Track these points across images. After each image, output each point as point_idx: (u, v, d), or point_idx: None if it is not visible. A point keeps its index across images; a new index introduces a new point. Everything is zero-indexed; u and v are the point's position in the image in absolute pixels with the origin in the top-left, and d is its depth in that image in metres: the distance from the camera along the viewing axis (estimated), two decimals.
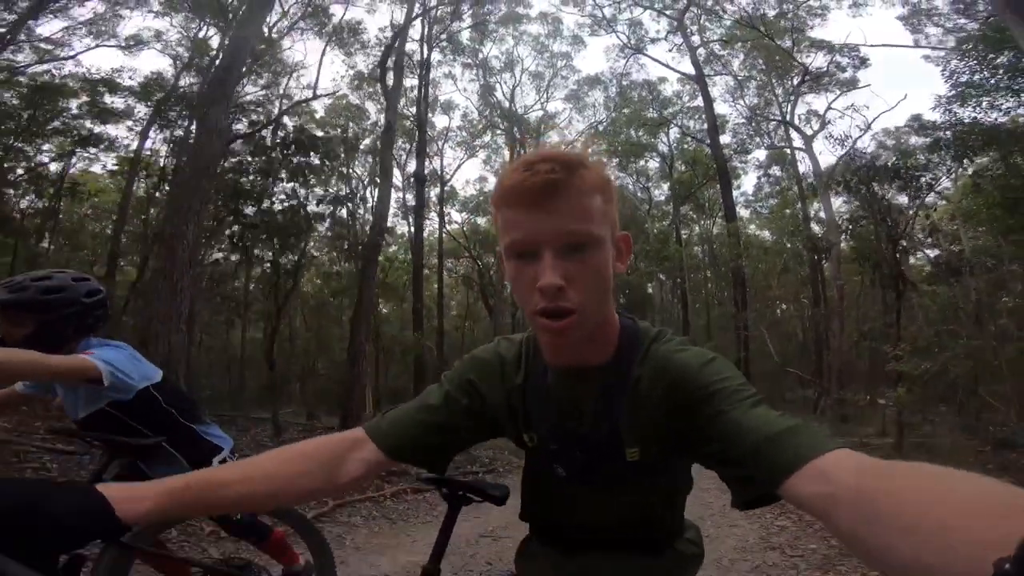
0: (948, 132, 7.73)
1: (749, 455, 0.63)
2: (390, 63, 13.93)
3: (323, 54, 23.30)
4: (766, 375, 14.31)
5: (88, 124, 14.92)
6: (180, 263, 6.19)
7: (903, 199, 9.19)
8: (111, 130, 15.52)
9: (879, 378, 10.56)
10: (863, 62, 19.38)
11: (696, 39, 20.03)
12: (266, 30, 13.45)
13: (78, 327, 1.76)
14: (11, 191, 14.11)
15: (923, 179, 7.60)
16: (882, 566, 0.43)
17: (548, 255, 0.70)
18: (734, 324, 13.70)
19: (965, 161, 7.84)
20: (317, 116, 18.97)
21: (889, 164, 7.53)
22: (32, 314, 1.69)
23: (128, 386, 1.68)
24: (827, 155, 36.63)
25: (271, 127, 10.90)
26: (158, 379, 1.81)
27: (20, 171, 14.40)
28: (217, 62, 11.56)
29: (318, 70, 39.28)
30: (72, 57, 15.08)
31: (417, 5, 15.97)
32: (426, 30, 18.10)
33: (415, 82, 18.93)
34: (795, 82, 19.00)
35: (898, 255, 7.68)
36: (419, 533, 4.50)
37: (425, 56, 18.39)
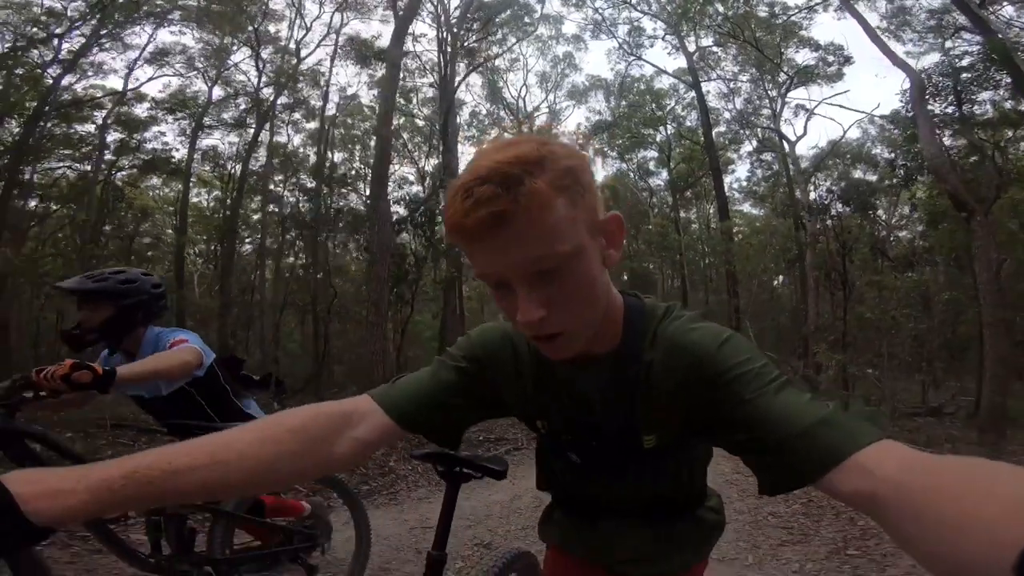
0: (900, 167, 9.76)
1: (781, 448, 0.60)
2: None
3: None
4: None
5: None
6: (382, 317, 8.56)
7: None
8: None
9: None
10: (847, 60, 21.18)
11: (691, 44, 21.61)
12: None
13: (147, 313, 2.05)
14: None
15: (873, 201, 9.67)
16: (929, 563, 0.41)
17: (520, 288, 0.64)
18: (728, 312, 15.80)
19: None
20: None
21: (844, 189, 9.55)
22: (111, 301, 1.97)
23: (204, 365, 1.96)
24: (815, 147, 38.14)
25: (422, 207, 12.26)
26: (214, 356, 2.09)
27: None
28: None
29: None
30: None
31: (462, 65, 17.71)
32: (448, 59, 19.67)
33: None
34: (783, 78, 20.77)
35: (846, 264, 9.78)
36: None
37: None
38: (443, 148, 16.59)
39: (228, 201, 19.34)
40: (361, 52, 17.29)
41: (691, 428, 0.76)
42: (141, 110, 17.48)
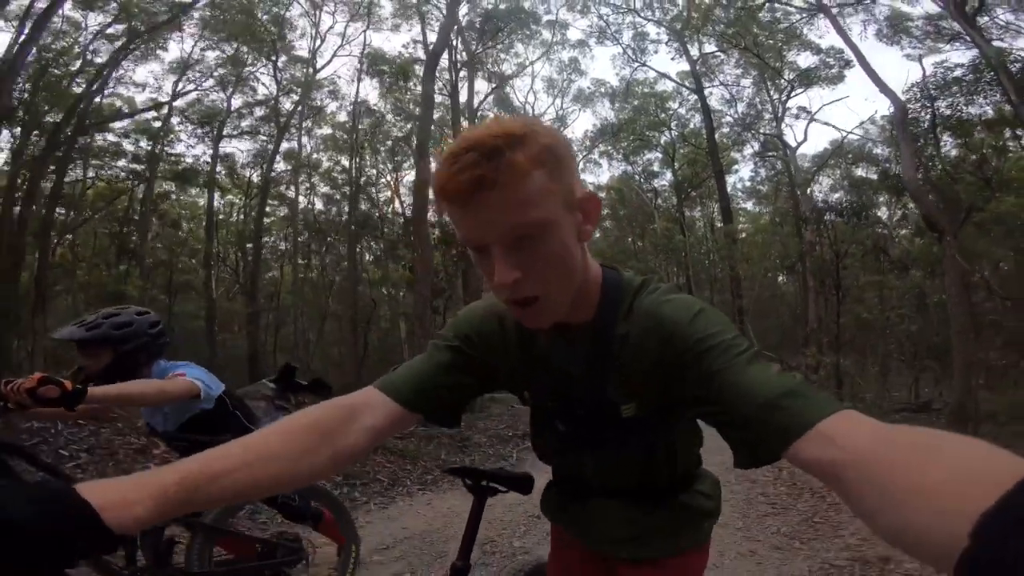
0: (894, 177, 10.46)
1: (750, 419, 0.62)
2: None
3: None
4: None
5: None
6: (425, 330, 9.47)
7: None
8: None
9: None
10: (847, 63, 21.73)
11: (694, 50, 22.23)
12: None
13: (148, 355, 1.96)
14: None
15: (864, 213, 10.45)
16: (884, 530, 0.43)
17: (497, 251, 0.68)
18: (732, 312, 16.52)
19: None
20: None
21: (836, 201, 10.29)
22: (108, 348, 1.87)
23: (211, 397, 1.90)
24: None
25: None
26: (223, 388, 2.02)
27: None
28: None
29: None
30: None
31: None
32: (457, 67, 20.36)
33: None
34: (784, 81, 21.37)
35: (839, 270, 10.53)
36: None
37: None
38: (424, 122, 17.26)
39: (247, 208, 20.20)
40: (381, 70, 17.99)
41: (668, 398, 0.80)
42: (165, 120, 18.33)
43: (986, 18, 13.50)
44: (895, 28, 15.87)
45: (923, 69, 12.89)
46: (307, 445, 0.69)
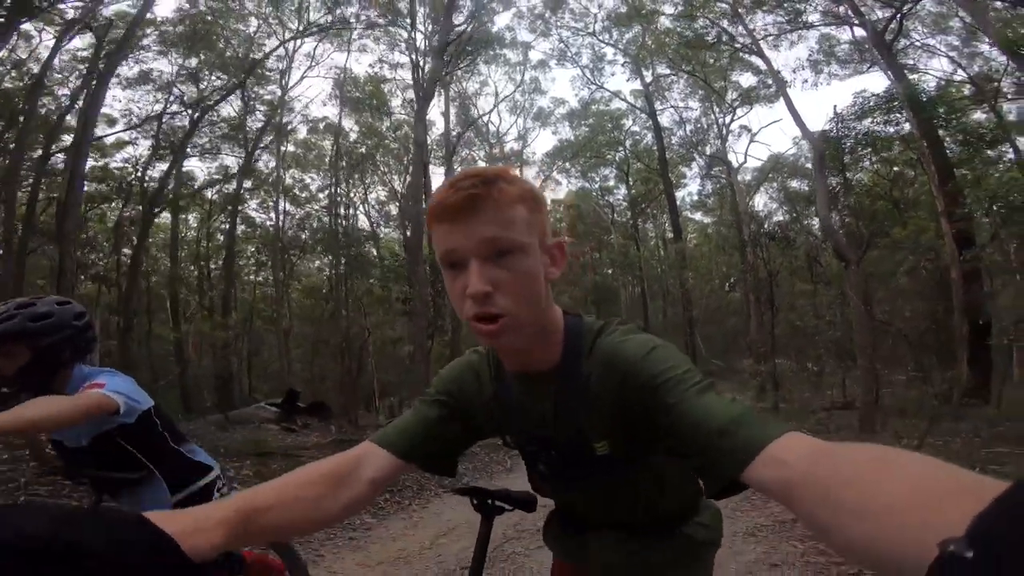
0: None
1: (704, 447, 0.65)
2: None
3: None
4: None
5: None
6: (424, 358, 10.31)
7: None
8: None
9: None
10: (784, 83, 23.78)
11: (648, 75, 23.73)
12: None
13: (73, 351, 1.72)
14: None
15: (792, 239, 12.02)
16: (839, 546, 0.44)
17: (474, 264, 0.74)
18: (683, 328, 18.00)
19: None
20: None
21: (770, 227, 11.79)
22: (24, 343, 1.62)
23: (135, 411, 1.66)
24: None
25: None
26: (152, 404, 1.78)
27: None
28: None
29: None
30: None
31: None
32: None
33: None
34: (728, 102, 23.15)
35: (772, 288, 12.02)
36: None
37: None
38: (416, 172, 18.15)
39: (208, 228, 20.28)
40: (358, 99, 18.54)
41: (635, 435, 0.84)
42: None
43: (905, 41, 15.35)
44: (818, 67, 17.87)
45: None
46: (324, 491, 0.74)
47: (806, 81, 16.82)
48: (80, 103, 13.79)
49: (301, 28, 17.90)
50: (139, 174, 17.40)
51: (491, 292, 0.74)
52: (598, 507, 1.04)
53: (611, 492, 0.99)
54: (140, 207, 16.86)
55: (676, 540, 1.03)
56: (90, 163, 17.58)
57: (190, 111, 18.14)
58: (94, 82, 11.92)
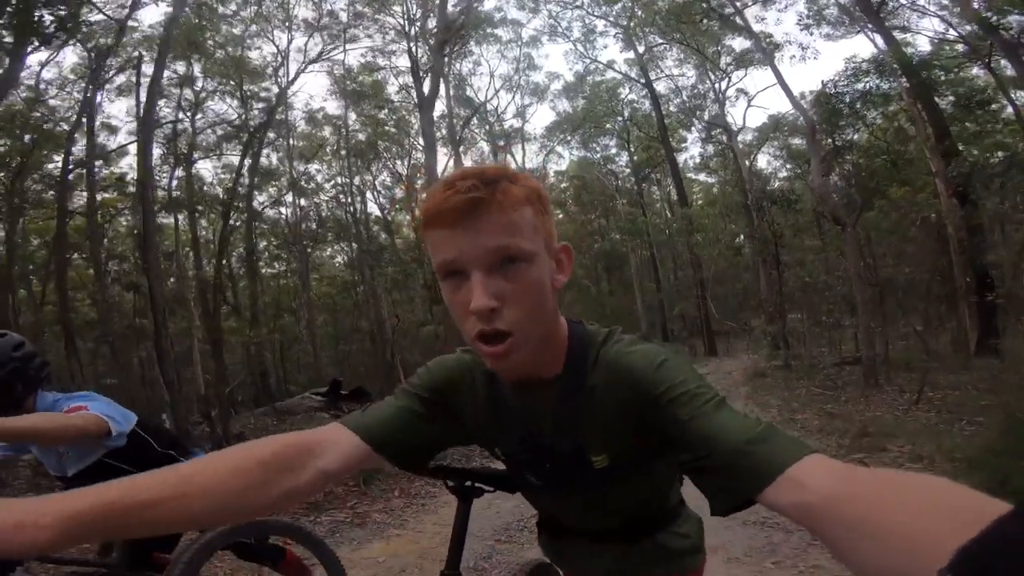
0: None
1: (721, 466, 0.64)
2: None
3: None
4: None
5: None
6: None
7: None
8: None
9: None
10: (777, 47, 23.77)
11: (640, 45, 23.69)
12: None
13: (25, 382, 1.69)
14: None
15: (795, 202, 12.47)
16: (858, 568, 0.44)
17: (477, 275, 0.69)
18: (693, 290, 18.54)
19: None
20: None
21: (774, 191, 12.20)
22: None
23: (123, 433, 1.64)
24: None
25: None
26: (135, 420, 1.76)
27: None
28: None
29: None
30: None
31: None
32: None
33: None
34: (722, 67, 23.18)
35: (778, 250, 12.55)
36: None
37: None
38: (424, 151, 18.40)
39: (222, 230, 20.87)
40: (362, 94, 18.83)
41: (638, 448, 0.82)
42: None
43: (894, 2, 15.42)
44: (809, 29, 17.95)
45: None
46: (258, 479, 0.67)
47: (793, 56, 16.88)
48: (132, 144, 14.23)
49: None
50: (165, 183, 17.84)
51: (498, 307, 0.70)
52: (583, 519, 1.02)
53: (598, 503, 0.97)
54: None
55: (654, 548, 1.02)
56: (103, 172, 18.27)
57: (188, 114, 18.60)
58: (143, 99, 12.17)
